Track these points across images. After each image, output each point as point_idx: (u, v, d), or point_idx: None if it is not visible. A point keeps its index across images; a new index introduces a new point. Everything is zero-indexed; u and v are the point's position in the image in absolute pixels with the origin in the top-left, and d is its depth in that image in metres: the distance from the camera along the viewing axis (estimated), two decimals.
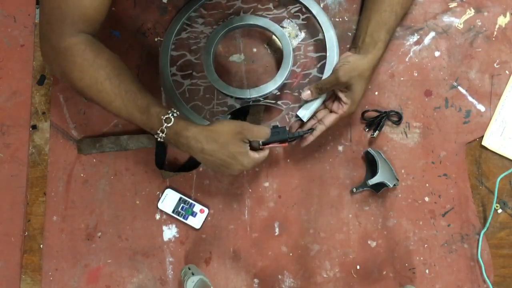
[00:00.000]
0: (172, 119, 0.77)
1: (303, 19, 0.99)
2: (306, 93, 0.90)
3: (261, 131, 0.82)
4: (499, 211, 0.96)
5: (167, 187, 0.97)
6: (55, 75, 0.84)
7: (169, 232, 0.97)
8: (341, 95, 0.89)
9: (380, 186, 0.93)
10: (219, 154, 0.79)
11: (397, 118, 0.97)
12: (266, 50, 1.00)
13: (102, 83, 0.77)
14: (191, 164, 0.97)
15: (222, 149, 0.78)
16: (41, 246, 0.97)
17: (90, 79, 0.77)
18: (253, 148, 0.83)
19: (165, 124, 0.77)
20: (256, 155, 0.83)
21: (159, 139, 0.79)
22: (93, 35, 0.80)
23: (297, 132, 0.91)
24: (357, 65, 0.87)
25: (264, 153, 0.84)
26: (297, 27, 1.00)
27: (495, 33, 0.99)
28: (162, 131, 0.77)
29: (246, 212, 0.97)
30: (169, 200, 0.96)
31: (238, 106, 0.95)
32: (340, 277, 0.95)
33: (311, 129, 0.91)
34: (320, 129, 0.91)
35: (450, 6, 1.00)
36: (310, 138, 0.91)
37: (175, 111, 0.79)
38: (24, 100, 1.01)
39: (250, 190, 0.97)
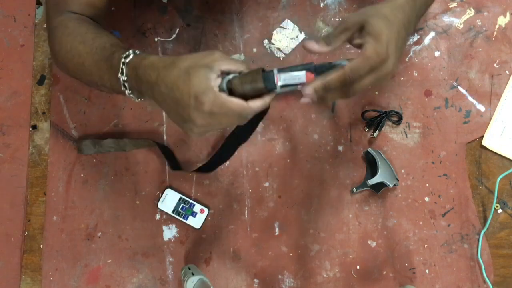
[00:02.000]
0: (132, 54, 0.65)
1: None
2: (311, 44, 0.65)
3: (239, 62, 0.62)
4: (499, 211, 0.96)
5: (167, 187, 0.97)
6: (53, 61, 0.83)
7: (169, 232, 0.97)
8: (357, 41, 0.64)
9: (380, 186, 0.93)
10: (176, 85, 0.59)
11: (397, 118, 0.97)
12: (266, 51, 1.00)
13: (77, 47, 0.72)
14: (212, 163, 0.93)
15: (181, 77, 0.59)
16: (41, 246, 0.97)
17: (66, 46, 0.73)
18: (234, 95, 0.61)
19: (123, 60, 0.65)
20: (231, 99, 0.59)
21: (123, 88, 0.66)
22: (98, 16, 0.79)
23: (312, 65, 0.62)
24: (372, 7, 0.65)
25: (252, 104, 0.60)
26: (297, 28, 1.00)
27: (495, 33, 0.99)
28: (122, 72, 0.65)
29: (246, 212, 0.97)
30: (169, 200, 0.96)
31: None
32: (340, 277, 0.95)
33: (332, 65, 0.62)
34: (336, 73, 0.61)
35: (450, 6, 1.00)
36: (317, 83, 0.61)
37: (137, 51, 0.67)
38: (24, 100, 1.01)
39: (250, 190, 0.97)
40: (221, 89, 0.60)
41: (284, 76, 0.61)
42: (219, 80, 0.60)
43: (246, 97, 0.61)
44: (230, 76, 0.61)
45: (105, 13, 0.80)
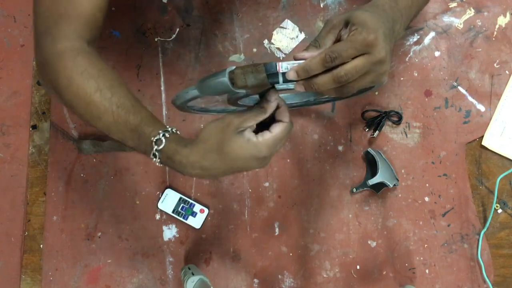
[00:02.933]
0: (163, 140, 0.65)
1: None
2: (301, 54, 0.63)
3: (250, 113, 0.63)
4: (499, 211, 0.96)
5: (167, 187, 0.97)
6: (45, 87, 0.74)
7: (169, 232, 0.97)
8: (344, 36, 0.64)
9: (380, 186, 0.93)
10: (223, 164, 0.63)
11: (397, 118, 0.97)
12: (266, 51, 1.00)
13: (91, 95, 0.67)
14: None
15: (222, 155, 0.62)
16: (41, 246, 0.97)
17: (78, 89, 0.67)
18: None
19: (155, 147, 0.65)
20: (267, 135, 0.62)
21: (157, 164, 0.67)
22: (91, 43, 0.72)
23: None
24: (355, 8, 0.66)
25: (278, 129, 0.63)
26: (297, 28, 1.00)
27: (495, 33, 0.99)
28: (155, 156, 0.66)
29: (246, 212, 0.97)
30: (169, 200, 0.96)
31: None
32: (340, 277, 0.95)
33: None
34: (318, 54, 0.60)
35: (450, 6, 1.00)
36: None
37: (169, 129, 0.67)
38: (24, 100, 1.01)
39: (250, 190, 0.97)
40: (224, 81, 0.60)
41: (286, 64, 0.61)
42: (249, 131, 0.63)
43: (247, 89, 0.61)
44: (233, 67, 0.61)
45: (100, 33, 0.74)
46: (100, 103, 0.67)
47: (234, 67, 0.61)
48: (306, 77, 0.60)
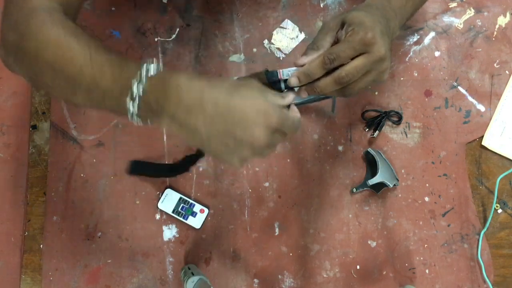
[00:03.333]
0: (155, 66, 0.56)
1: None
2: (301, 59, 0.63)
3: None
4: (499, 211, 0.96)
5: (167, 187, 0.97)
6: (7, 54, 0.62)
7: (169, 232, 0.97)
8: (342, 37, 0.63)
9: (380, 186, 0.93)
10: (225, 114, 0.52)
11: (397, 118, 0.97)
12: (266, 51, 1.00)
13: (66, 38, 0.57)
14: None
15: (231, 98, 0.53)
16: (41, 246, 0.97)
17: (49, 33, 0.58)
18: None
19: (146, 69, 0.55)
20: (285, 110, 0.58)
21: (131, 108, 0.55)
22: (66, 12, 0.63)
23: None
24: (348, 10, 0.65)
25: (294, 111, 0.60)
26: (297, 28, 1.00)
27: (495, 33, 0.99)
28: (140, 79, 0.54)
29: (246, 212, 0.97)
30: (169, 200, 0.96)
31: None
32: (340, 277, 0.95)
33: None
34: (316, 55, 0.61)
35: (450, 6, 1.00)
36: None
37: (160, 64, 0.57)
38: (24, 100, 1.01)
39: (250, 190, 0.97)
40: None
41: (287, 71, 0.62)
42: (275, 96, 0.58)
43: None
44: (235, 78, 0.61)
45: (77, 12, 0.66)
46: (77, 45, 0.57)
47: (235, 78, 0.61)
48: (308, 82, 0.60)
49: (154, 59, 0.57)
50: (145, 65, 0.56)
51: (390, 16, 0.67)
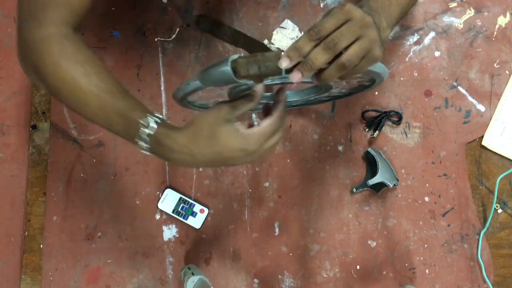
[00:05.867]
0: (154, 125, 0.64)
1: None
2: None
3: (239, 101, 0.64)
4: (499, 211, 0.96)
5: (167, 187, 0.97)
6: (28, 74, 0.72)
7: (169, 232, 0.97)
8: None
9: (380, 186, 0.93)
10: (211, 151, 0.62)
11: (397, 118, 0.97)
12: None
13: (79, 80, 0.65)
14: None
15: (211, 141, 0.62)
16: (41, 246, 0.97)
17: (65, 74, 0.66)
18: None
19: (146, 131, 0.64)
20: (255, 128, 0.63)
21: (143, 151, 0.65)
22: (75, 29, 0.70)
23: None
24: None
25: (265, 123, 0.63)
26: (297, 28, 1.00)
27: (495, 33, 0.99)
28: (144, 141, 0.64)
29: (246, 212, 0.97)
30: (169, 200, 0.96)
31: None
32: (340, 277, 0.95)
33: None
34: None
35: (450, 6, 1.00)
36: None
37: (158, 115, 0.66)
38: (24, 100, 1.01)
39: (250, 190, 0.97)
40: (226, 70, 0.60)
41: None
42: (239, 123, 0.63)
43: (249, 79, 0.61)
44: (235, 56, 0.60)
45: (82, 20, 0.73)
46: (88, 89, 0.66)
47: (236, 56, 0.60)
48: (298, 59, 0.59)
49: (157, 115, 0.65)
50: (143, 124, 0.64)
51: (372, 14, 0.67)
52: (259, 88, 0.64)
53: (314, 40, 0.58)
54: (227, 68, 0.59)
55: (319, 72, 0.60)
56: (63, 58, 0.66)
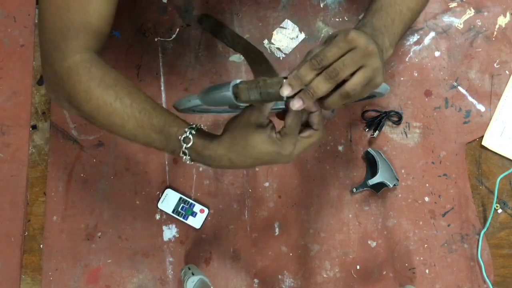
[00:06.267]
0: (191, 138, 0.66)
1: None
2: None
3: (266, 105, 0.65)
4: (499, 211, 0.96)
5: (167, 187, 0.97)
6: (61, 105, 0.75)
7: (169, 232, 0.97)
8: None
9: (380, 186, 0.93)
10: (249, 157, 0.65)
11: (397, 118, 0.97)
12: (266, 51, 1.00)
13: (112, 104, 0.67)
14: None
15: (247, 149, 0.65)
16: (41, 246, 0.97)
17: (98, 100, 0.68)
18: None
19: (185, 145, 0.66)
20: (290, 137, 0.65)
21: (187, 162, 0.68)
22: (99, 52, 0.72)
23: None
24: None
25: (306, 134, 0.65)
26: (297, 28, 1.00)
27: (495, 33, 0.99)
28: (185, 153, 0.67)
29: (246, 212, 0.97)
30: (169, 200, 0.96)
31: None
32: (340, 277, 0.95)
33: None
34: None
35: (450, 6, 1.00)
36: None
37: (193, 126, 0.68)
38: (24, 100, 1.01)
39: (250, 190, 0.97)
40: (227, 95, 0.60)
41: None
42: (270, 128, 0.65)
43: (250, 103, 0.62)
44: (237, 81, 0.61)
45: (105, 44, 0.75)
46: (122, 111, 0.68)
47: (238, 81, 0.61)
48: (300, 87, 0.60)
49: (192, 125, 0.68)
50: (181, 139, 0.67)
51: (375, 35, 0.68)
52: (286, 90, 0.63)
53: (316, 69, 0.59)
54: (229, 93, 0.60)
55: (323, 99, 0.61)
56: (93, 84, 0.68)
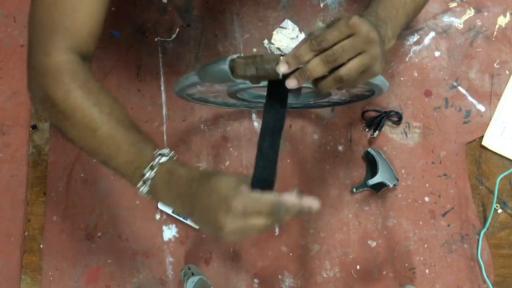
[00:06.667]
0: (167, 156, 0.64)
1: None
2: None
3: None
4: (499, 211, 0.96)
5: None
6: (34, 101, 0.70)
7: (169, 232, 0.97)
8: None
9: (380, 186, 0.93)
10: (211, 196, 0.58)
11: (397, 118, 0.97)
12: (266, 51, 1.00)
13: (90, 108, 0.64)
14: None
15: (216, 187, 0.59)
16: (41, 246, 0.97)
17: (76, 101, 0.64)
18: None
19: (159, 158, 0.63)
20: (263, 195, 0.61)
21: (142, 187, 0.64)
22: (87, 58, 0.70)
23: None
24: None
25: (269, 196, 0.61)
26: (297, 28, 1.00)
27: (495, 33, 0.99)
28: (152, 168, 0.63)
29: None
30: None
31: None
32: (340, 277, 0.95)
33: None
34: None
35: (450, 6, 1.00)
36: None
37: (172, 152, 0.65)
38: (24, 100, 1.01)
39: None
40: (223, 69, 0.60)
41: None
42: (247, 188, 0.59)
43: (246, 79, 0.61)
44: (234, 56, 0.61)
45: (96, 46, 0.72)
46: (98, 116, 0.65)
47: (235, 56, 0.61)
48: (297, 66, 0.59)
49: (167, 150, 0.65)
50: (157, 153, 0.64)
51: (379, 25, 0.68)
52: None
53: (315, 50, 0.58)
54: (225, 66, 0.60)
55: (317, 80, 0.60)
56: (75, 86, 0.65)
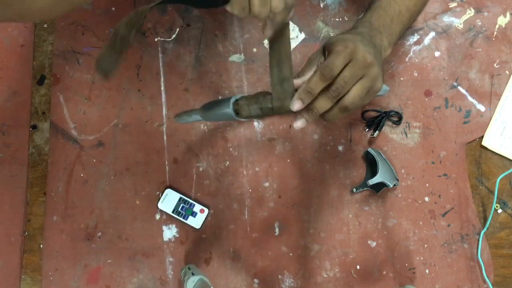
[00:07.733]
0: None
1: None
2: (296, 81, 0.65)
3: None
4: (499, 211, 0.96)
5: (167, 187, 0.97)
6: None
7: (169, 232, 0.97)
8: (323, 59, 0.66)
9: (380, 186, 0.93)
10: None
11: (397, 118, 0.97)
12: (267, 51, 1.00)
13: None
14: None
15: None
16: (41, 246, 0.97)
17: None
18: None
19: None
20: None
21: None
22: None
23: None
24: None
25: None
26: (297, 28, 1.00)
27: (495, 33, 0.99)
28: None
29: (246, 212, 0.97)
30: (169, 200, 0.96)
31: None
32: (340, 277, 0.95)
33: None
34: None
35: (450, 6, 1.00)
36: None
37: None
38: (24, 100, 1.01)
39: (250, 190, 0.97)
40: (228, 112, 0.61)
41: None
42: None
43: (251, 118, 0.63)
44: (237, 97, 0.62)
45: None
46: None
47: (238, 97, 0.62)
48: (310, 100, 0.60)
49: None
50: None
51: (373, 34, 0.69)
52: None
53: (328, 79, 0.60)
54: (229, 110, 0.61)
55: (324, 113, 0.62)
56: None
